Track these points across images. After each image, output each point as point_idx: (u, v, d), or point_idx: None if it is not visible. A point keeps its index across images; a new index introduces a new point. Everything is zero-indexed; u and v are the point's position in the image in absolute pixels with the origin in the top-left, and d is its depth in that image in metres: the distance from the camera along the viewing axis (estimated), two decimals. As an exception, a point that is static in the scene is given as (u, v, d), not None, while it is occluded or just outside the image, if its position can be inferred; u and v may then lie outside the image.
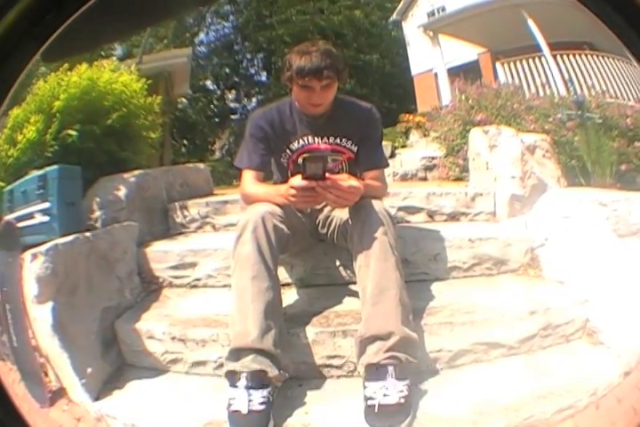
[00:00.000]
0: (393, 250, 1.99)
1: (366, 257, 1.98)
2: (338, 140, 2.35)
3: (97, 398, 2.01)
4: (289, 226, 2.13)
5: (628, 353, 1.96)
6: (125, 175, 3.13)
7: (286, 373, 1.89)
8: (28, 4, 0.73)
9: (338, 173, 2.31)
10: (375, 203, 2.08)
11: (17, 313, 2.06)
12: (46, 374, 2.09)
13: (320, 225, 2.44)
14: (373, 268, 1.95)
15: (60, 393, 2.05)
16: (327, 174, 1.94)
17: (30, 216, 2.45)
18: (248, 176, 2.33)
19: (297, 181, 1.96)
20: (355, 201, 2.03)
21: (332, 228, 2.36)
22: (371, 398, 1.74)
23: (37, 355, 2.07)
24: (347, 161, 2.40)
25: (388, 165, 2.54)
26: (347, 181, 1.98)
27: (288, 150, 2.37)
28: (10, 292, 2.12)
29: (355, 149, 2.37)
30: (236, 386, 1.77)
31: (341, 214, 2.26)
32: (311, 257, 2.61)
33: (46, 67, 3.28)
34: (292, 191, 1.97)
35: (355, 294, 2.10)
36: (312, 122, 2.33)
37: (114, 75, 3.54)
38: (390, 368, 1.78)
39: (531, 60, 9.78)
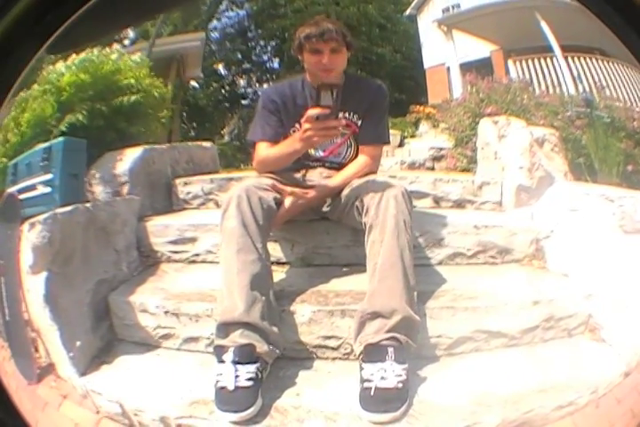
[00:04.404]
0: (407, 229, 1.96)
1: (380, 233, 1.94)
2: (347, 115, 2.36)
3: (84, 374, 1.98)
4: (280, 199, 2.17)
5: (629, 352, 1.92)
6: (130, 150, 3.11)
7: (276, 348, 1.84)
8: (30, 2, 0.72)
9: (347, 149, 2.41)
10: (395, 181, 2.09)
11: (11, 286, 2.05)
12: (37, 350, 2.07)
13: (326, 202, 2.41)
14: (386, 243, 1.91)
15: (48, 369, 2.03)
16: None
17: (32, 188, 2.44)
18: (262, 147, 2.34)
19: (312, 110, 1.94)
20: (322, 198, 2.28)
21: (340, 205, 2.31)
22: (367, 381, 1.68)
23: (29, 329, 2.05)
24: (353, 135, 2.41)
25: (388, 142, 2.55)
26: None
27: (298, 125, 2.33)
28: (6, 264, 2.10)
29: (360, 123, 2.39)
30: (223, 361, 1.72)
31: (351, 193, 2.23)
32: (313, 236, 2.57)
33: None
34: (307, 125, 1.95)
35: (355, 275, 2.06)
36: None
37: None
38: (390, 350, 1.72)
39: (542, 60, 9.85)
